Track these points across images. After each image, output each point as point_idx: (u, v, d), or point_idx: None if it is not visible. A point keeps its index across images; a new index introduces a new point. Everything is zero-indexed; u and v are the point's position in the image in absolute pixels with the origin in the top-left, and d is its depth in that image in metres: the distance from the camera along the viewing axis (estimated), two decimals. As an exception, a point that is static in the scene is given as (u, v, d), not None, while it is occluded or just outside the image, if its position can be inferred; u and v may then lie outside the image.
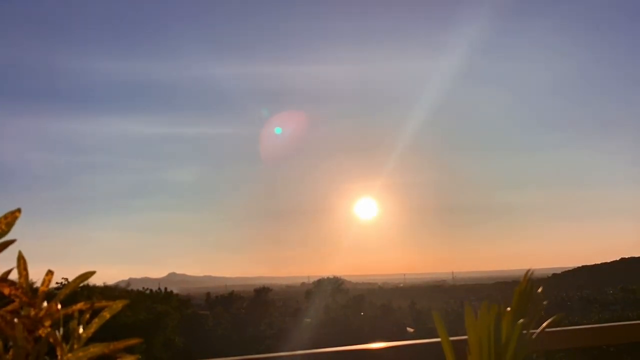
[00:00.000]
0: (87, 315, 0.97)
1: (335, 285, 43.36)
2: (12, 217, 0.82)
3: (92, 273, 1.00)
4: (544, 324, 1.04)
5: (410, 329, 35.39)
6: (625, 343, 2.46)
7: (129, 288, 44.98)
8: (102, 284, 34.85)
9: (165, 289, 40.89)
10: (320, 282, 43.98)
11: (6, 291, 0.90)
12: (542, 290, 1.01)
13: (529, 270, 1.02)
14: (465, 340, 1.15)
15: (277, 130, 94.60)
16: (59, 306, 0.95)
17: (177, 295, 41.29)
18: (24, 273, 0.95)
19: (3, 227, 0.82)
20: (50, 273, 0.97)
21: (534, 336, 1.02)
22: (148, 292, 40.53)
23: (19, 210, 0.83)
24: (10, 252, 0.93)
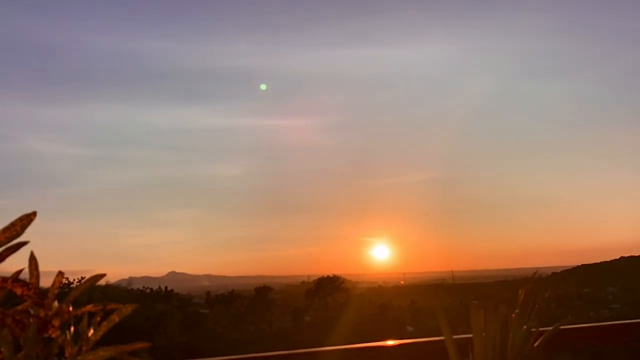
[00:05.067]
0: (98, 318, 0.98)
1: (335, 284, 43.41)
2: (27, 220, 0.84)
3: (102, 275, 1.01)
4: (555, 325, 1.05)
5: (410, 328, 35.44)
6: (625, 342, 2.47)
7: (130, 287, 45.07)
8: (103, 283, 34.90)
9: (166, 287, 40.97)
10: (320, 281, 44.02)
11: (19, 291, 0.91)
12: (549, 293, 1.01)
13: (536, 272, 1.03)
14: (467, 338, 1.17)
15: (263, 87, 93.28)
16: (70, 308, 0.96)
17: (177, 294, 41.37)
18: (35, 273, 0.96)
19: (18, 229, 0.84)
20: (60, 274, 0.99)
21: (541, 338, 1.03)
22: (148, 291, 40.63)
23: (34, 214, 0.84)
24: (17, 252, 0.94)
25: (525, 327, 0.98)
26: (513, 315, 1.01)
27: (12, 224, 0.83)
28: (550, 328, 1.08)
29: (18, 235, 0.84)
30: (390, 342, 1.93)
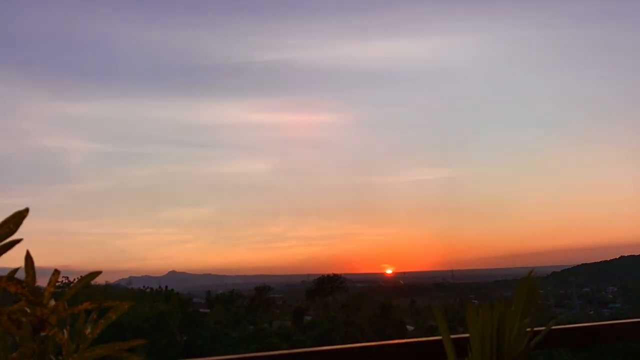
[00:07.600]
0: (95, 316, 0.98)
1: (335, 283, 43.43)
2: (19, 217, 0.83)
3: (98, 273, 1.01)
4: (550, 323, 1.05)
5: (410, 327, 35.50)
6: (624, 341, 2.47)
7: (130, 287, 45.16)
8: (103, 283, 34.95)
9: (166, 287, 40.97)
10: (321, 281, 44.03)
11: (12, 290, 0.91)
12: (544, 290, 1.01)
13: (532, 270, 1.02)
14: (466, 337, 1.17)
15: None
16: (66, 306, 0.96)
17: (177, 293, 41.37)
18: (31, 272, 0.96)
19: (11, 226, 0.83)
20: (56, 273, 0.98)
21: (537, 336, 1.03)
22: (149, 290, 40.64)
23: (26, 210, 0.84)
24: (12, 251, 0.94)
25: (521, 325, 0.98)
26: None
27: (5, 222, 0.82)
28: (545, 328, 1.08)
29: (11, 233, 0.83)
30: (390, 342, 1.93)
